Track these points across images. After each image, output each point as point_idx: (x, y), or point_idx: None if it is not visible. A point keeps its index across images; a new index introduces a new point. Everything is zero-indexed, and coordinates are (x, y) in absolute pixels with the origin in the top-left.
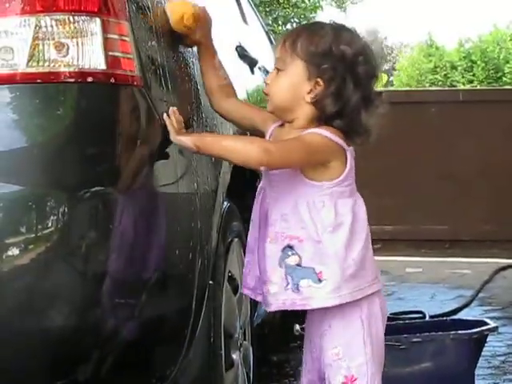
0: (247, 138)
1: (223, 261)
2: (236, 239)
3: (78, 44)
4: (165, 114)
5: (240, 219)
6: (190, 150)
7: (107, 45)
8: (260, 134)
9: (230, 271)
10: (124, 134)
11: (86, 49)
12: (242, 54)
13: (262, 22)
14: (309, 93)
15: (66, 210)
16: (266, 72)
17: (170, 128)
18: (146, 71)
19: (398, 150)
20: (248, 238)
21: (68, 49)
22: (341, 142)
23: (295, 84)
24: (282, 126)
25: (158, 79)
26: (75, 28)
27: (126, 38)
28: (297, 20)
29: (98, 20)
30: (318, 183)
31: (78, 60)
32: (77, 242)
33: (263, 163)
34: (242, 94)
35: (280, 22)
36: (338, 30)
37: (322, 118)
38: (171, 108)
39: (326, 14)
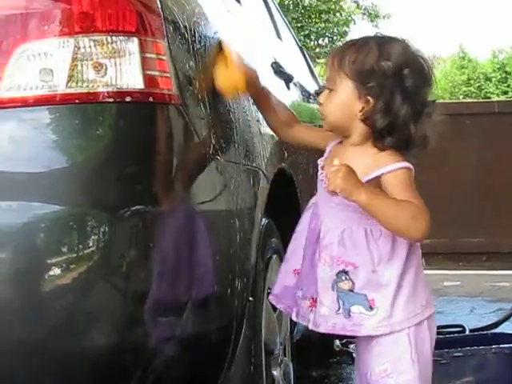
0: (410, 208)
1: (262, 278)
2: (275, 256)
3: (115, 64)
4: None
5: (278, 236)
6: (356, 202)
7: (145, 64)
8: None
9: (269, 288)
10: (162, 153)
11: (124, 68)
12: (278, 70)
13: (295, 38)
14: (361, 111)
15: (107, 229)
16: (302, 88)
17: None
18: (184, 89)
19: (434, 163)
20: (288, 249)
21: (106, 69)
22: (410, 165)
23: (347, 103)
24: (340, 142)
25: (196, 97)
26: (113, 48)
27: (164, 57)
28: (329, 35)
29: (135, 40)
30: None
31: (116, 80)
32: (118, 261)
33: (424, 237)
34: None
35: (312, 38)
36: (383, 44)
37: (374, 135)
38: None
39: (358, 28)
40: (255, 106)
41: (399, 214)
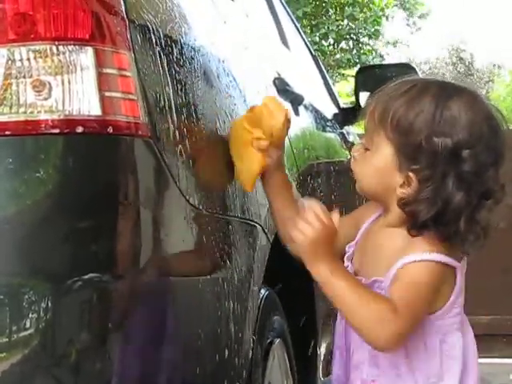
0: (378, 307)
1: (261, 370)
2: (277, 340)
3: (63, 82)
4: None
5: (282, 312)
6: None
7: (102, 83)
8: None
9: (269, 383)
10: (126, 202)
11: (75, 88)
12: (283, 88)
13: (307, 44)
14: (401, 186)
15: (50, 305)
16: (315, 111)
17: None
18: (155, 117)
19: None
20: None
21: (50, 89)
22: (452, 261)
23: (383, 170)
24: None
25: (171, 128)
26: (60, 61)
27: (128, 73)
28: (353, 35)
29: (89, 50)
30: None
31: (63, 104)
32: (64, 349)
33: (388, 350)
34: None
35: (331, 39)
36: (443, 99)
37: (412, 224)
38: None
39: (392, 28)
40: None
41: (360, 310)
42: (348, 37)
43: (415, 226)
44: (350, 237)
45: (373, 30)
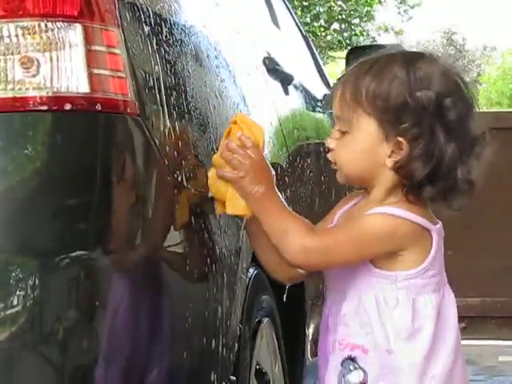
0: (291, 220)
1: (249, 349)
2: (266, 319)
3: (51, 59)
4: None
5: (271, 291)
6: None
7: (91, 60)
8: None
9: (258, 363)
10: (114, 180)
11: (63, 66)
12: (273, 67)
13: (298, 24)
14: (390, 156)
15: (37, 282)
16: (305, 91)
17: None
18: (144, 95)
19: (487, 193)
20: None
21: (39, 66)
22: (424, 221)
23: (369, 149)
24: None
25: (160, 106)
26: (48, 38)
27: (117, 51)
28: (345, 16)
29: (78, 27)
30: (391, 273)
31: (51, 81)
32: (51, 326)
33: (297, 265)
34: (272, 122)
35: (322, 21)
36: (411, 64)
37: (408, 186)
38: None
39: (385, 14)
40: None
41: (278, 219)
42: (339, 18)
43: (412, 187)
44: None
45: (365, 11)
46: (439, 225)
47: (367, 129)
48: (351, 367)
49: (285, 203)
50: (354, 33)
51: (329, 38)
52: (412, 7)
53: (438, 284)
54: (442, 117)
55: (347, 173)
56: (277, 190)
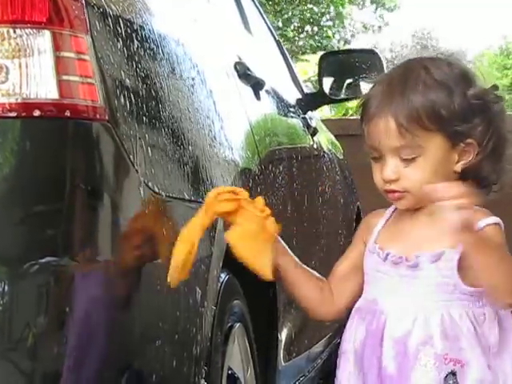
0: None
1: (220, 354)
2: (238, 324)
3: (20, 66)
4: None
5: (243, 296)
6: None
7: (60, 66)
8: None
9: (229, 368)
10: (83, 186)
11: (32, 72)
12: (244, 73)
13: (271, 30)
14: (458, 162)
15: (6, 289)
16: (277, 96)
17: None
18: (113, 101)
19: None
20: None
21: (7, 72)
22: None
23: (442, 162)
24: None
25: (129, 112)
26: (16, 44)
27: (86, 57)
28: (316, 19)
29: (47, 33)
30: (477, 289)
31: (20, 87)
32: (21, 333)
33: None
34: (243, 128)
35: (296, 24)
36: (442, 66)
37: (483, 184)
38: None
39: (360, 18)
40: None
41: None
42: (311, 20)
43: (486, 184)
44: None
45: (336, 12)
46: None
47: (436, 144)
48: (451, 382)
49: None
50: (325, 35)
51: (301, 43)
52: (388, 10)
53: None
54: (490, 108)
55: (420, 195)
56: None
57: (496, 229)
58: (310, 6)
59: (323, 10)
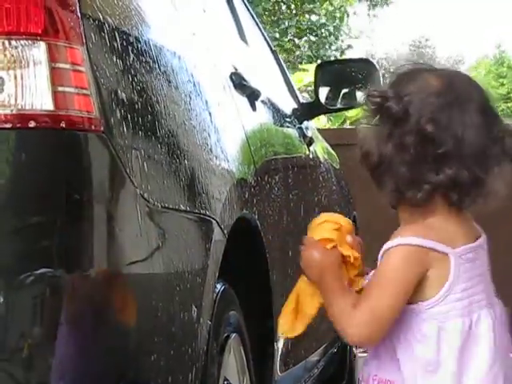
0: (343, 302)
1: (217, 365)
2: (234, 335)
3: (15, 77)
4: None
5: (239, 307)
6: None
7: (55, 77)
8: None
9: (225, 378)
10: (79, 197)
11: (27, 83)
12: (240, 83)
13: (267, 39)
14: None
15: (1, 300)
16: (273, 107)
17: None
18: (109, 112)
19: None
20: None
21: (3, 83)
22: (436, 244)
23: None
24: None
25: (125, 123)
26: (12, 56)
27: (81, 68)
28: (314, 31)
29: (42, 45)
30: (413, 306)
31: (16, 98)
32: (16, 344)
33: (358, 342)
34: (239, 138)
35: (291, 35)
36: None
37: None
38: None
39: (355, 23)
40: None
41: (331, 305)
42: (308, 31)
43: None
44: None
45: (334, 24)
46: (462, 248)
47: None
48: None
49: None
50: (321, 46)
51: (298, 53)
52: (381, 5)
53: (468, 307)
54: None
55: None
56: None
57: (389, 252)
58: (307, 16)
59: (321, 20)
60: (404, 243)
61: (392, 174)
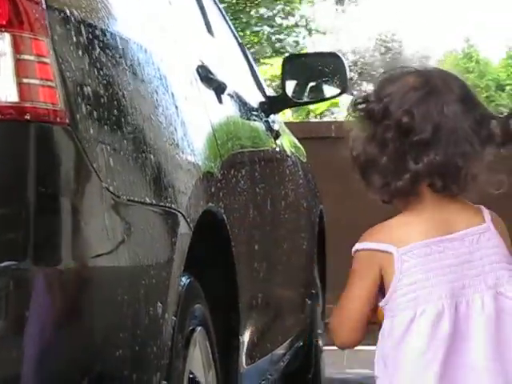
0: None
1: (181, 359)
2: (199, 328)
3: None
4: None
5: (204, 300)
6: None
7: (20, 69)
8: None
9: (191, 372)
10: (43, 189)
11: None
12: (206, 76)
13: (234, 33)
14: None
15: None
16: (240, 100)
17: None
18: (74, 104)
19: None
20: None
21: None
22: (383, 245)
23: None
24: None
25: (90, 115)
26: None
27: (46, 60)
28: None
29: (7, 36)
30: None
31: None
32: None
33: (343, 344)
34: (205, 132)
35: (251, 30)
36: None
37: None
38: None
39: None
40: None
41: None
42: (269, 24)
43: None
44: None
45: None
46: (410, 246)
47: None
48: None
49: None
50: (285, 38)
51: (258, 47)
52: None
53: (415, 300)
54: None
55: None
56: None
57: (355, 256)
58: (263, 9)
59: (281, 14)
60: (355, 249)
61: (378, 170)
